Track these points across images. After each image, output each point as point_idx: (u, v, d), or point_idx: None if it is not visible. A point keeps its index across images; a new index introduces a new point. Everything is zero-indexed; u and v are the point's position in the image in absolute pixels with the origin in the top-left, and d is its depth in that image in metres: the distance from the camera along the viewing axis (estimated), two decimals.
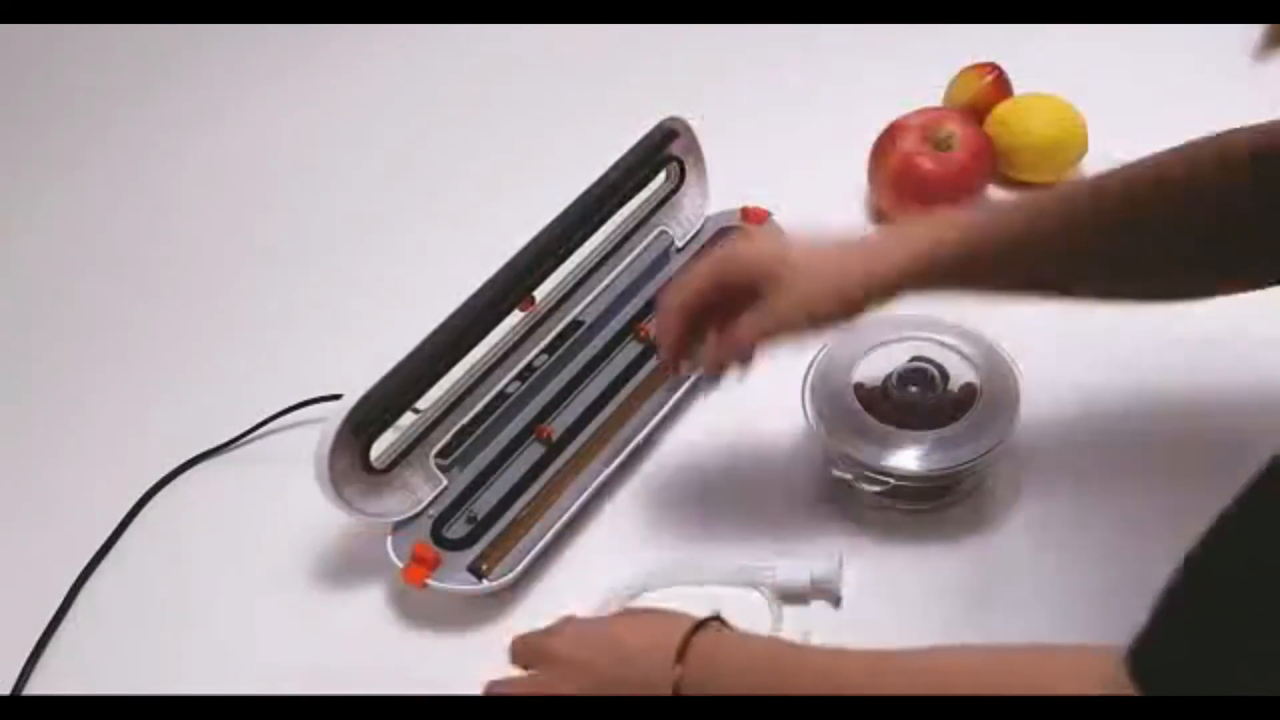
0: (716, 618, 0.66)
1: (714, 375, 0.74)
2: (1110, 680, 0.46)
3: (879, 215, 1.02)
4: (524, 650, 0.70)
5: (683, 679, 0.62)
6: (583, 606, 0.76)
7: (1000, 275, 0.71)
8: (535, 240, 0.82)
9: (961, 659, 0.56)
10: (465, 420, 0.83)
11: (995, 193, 1.02)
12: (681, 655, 0.62)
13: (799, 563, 0.77)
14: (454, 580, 0.78)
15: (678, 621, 0.65)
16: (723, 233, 0.96)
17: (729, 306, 0.72)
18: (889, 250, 0.70)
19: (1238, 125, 0.65)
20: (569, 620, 0.72)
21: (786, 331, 0.72)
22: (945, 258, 0.69)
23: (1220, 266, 0.69)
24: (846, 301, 0.70)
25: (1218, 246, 0.67)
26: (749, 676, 0.62)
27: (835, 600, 0.77)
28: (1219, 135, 0.66)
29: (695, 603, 0.69)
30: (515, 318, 0.85)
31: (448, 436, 0.82)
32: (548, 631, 0.71)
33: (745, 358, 0.74)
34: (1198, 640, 0.45)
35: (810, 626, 0.75)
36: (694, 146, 0.93)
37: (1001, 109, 1.03)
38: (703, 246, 0.96)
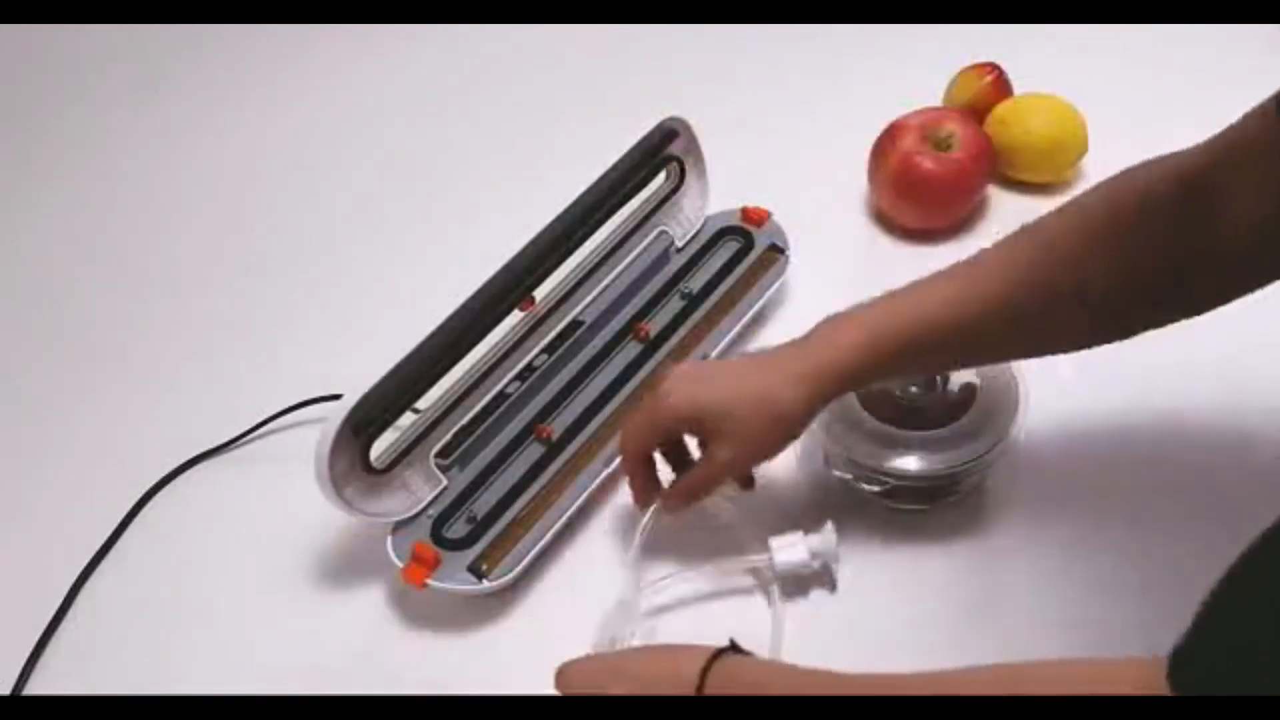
0: (732, 645, 0.64)
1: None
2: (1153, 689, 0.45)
3: (879, 215, 1.02)
4: (557, 678, 0.68)
5: None
6: (585, 607, 0.77)
7: (919, 367, 0.77)
8: (535, 240, 0.82)
9: (990, 675, 0.54)
10: (465, 420, 0.83)
11: (995, 193, 1.02)
12: (700, 686, 0.61)
13: (794, 539, 0.76)
14: (454, 580, 0.78)
15: (694, 652, 0.63)
16: (723, 233, 0.96)
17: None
18: (810, 361, 0.72)
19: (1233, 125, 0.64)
20: (590, 655, 0.70)
21: (733, 475, 0.76)
22: (875, 356, 0.71)
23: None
24: (786, 430, 0.73)
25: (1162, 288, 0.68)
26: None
27: (832, 585, 0.77)
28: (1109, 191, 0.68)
29: (698, 605, 0.68)
30: (515, 318, 0.85)
31: (448, 436, 0.82)
32: (572, 661, 0.68)
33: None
34: (1244, 651, 0.43)
35: (808, 622, 0.75)
36: (694, 146, 0.93)
37: (1001, 109, 1.03)
38: (702, 247, 0.96)
